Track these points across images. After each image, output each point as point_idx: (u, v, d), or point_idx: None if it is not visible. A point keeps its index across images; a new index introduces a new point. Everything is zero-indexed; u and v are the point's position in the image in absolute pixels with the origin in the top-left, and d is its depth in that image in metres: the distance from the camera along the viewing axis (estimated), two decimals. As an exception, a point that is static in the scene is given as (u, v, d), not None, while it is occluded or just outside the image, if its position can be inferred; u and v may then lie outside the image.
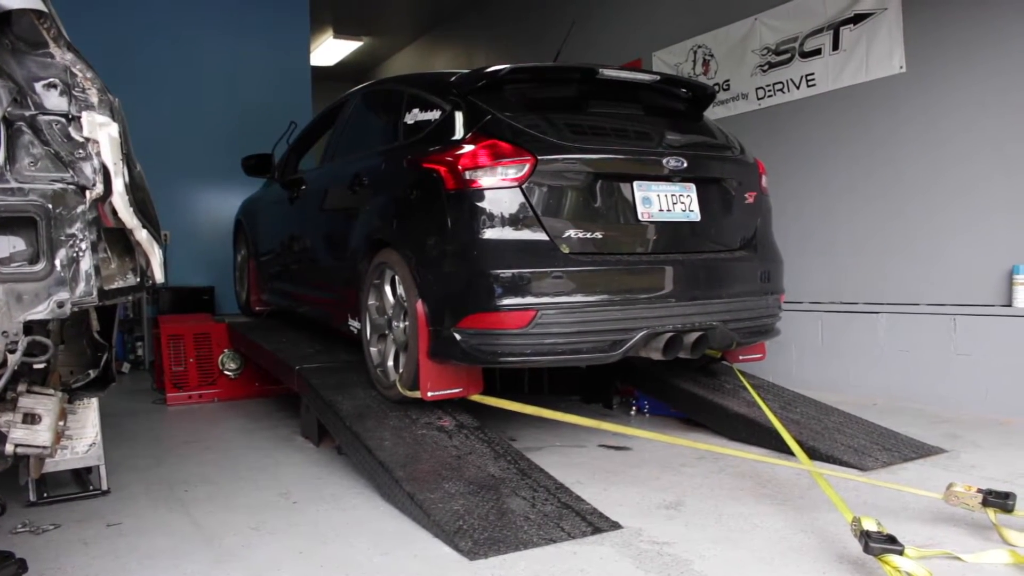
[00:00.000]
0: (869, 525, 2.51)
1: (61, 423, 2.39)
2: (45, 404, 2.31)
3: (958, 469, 3.65)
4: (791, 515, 3.06)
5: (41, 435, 2.28)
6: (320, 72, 10.02)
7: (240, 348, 5.99)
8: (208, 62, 8.43)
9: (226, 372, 6.03)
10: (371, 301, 4.12)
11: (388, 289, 3.95)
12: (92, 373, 2.75)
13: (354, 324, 4.36)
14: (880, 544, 2.42)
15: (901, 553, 2.40)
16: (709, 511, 3.12)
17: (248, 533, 2.97)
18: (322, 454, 4.21)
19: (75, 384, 2.76)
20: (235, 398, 6.00)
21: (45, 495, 3.38)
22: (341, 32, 11.91)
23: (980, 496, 2.78)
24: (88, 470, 3.60)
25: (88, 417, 3.44)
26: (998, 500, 2.75)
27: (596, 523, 2.92)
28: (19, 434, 2.25)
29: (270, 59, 8.82)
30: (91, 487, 3.52)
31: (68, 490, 3.50)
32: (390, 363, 3.99)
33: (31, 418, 2.28)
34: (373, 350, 4.14)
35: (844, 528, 2.83)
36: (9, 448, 2.24)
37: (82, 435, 3.40)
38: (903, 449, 3.89)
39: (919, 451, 3.90)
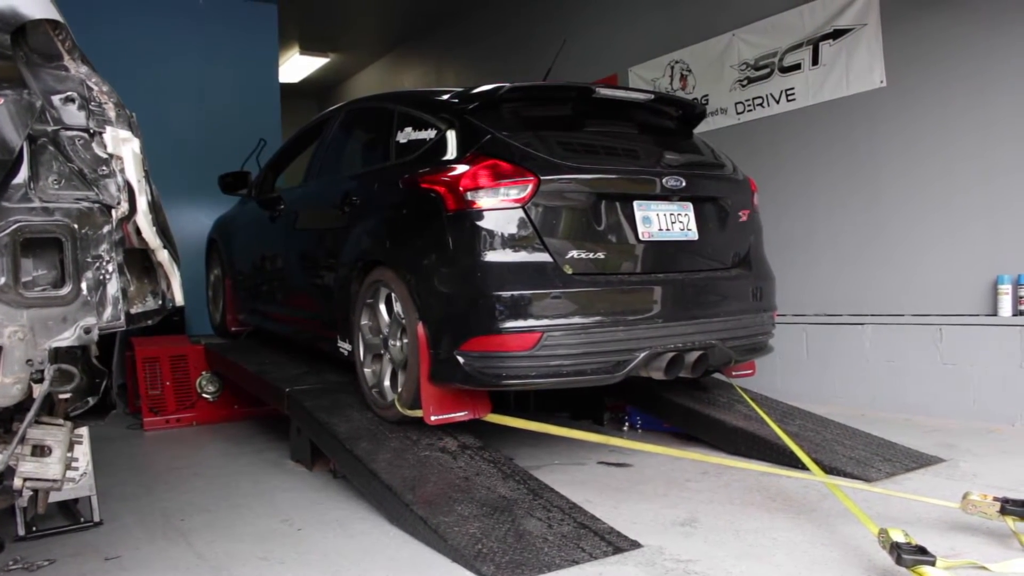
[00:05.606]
0: (897, 536, 2.51)
1: (69, 454, 2.27)
2: (55, 435, 2.18)
3: (960, 478, 3.68)
4: (808, 528, 3.05)
5: (51, 468, 2.15)
6: (286, 89, 9.88)
7: (220, 370, 5.82)
8: (176, 78, 8.20)
9: (205, 395, 5.86)
10: (364, 321, 4.03)
11: (383, 308, 3.87)
12: (91, 400, 2.62)
13: (344, 346, 4.26)
14: (912, 556, 2.42)
15: (933, 564, 2.40)
16: (725, 527, 3.09)
17: (257, 564, 2.86)
18: (317, 478, 4.09)
19: (73, 412, 2.63)
20: (214, 421, 5.82)
21: (34, 528, 3.21)
22: (308, 48, 11.77)
23: (998, 504, 2.80)
24: (75, 501, 3.43)
25: (79, 445, 3.28)
26: (1017, 508, 2.77)
27: (616, 542, 2.87)
28: (28, 467, 2.11)
29: (239, 75, 8.63)
30: (82, 518, 3.36)
31: (58, 523, 3.34)
32: (386, 383, 3.90)
33: (40, 450, 2.15)
34: (367, 371, 4.04)
35: (864, 540, 2.83)
36: (18, 482, 2.11)
37: (75, 464, 3.24)
38: (903, 459, 3.92)
39: (919, 461, 3.93)
